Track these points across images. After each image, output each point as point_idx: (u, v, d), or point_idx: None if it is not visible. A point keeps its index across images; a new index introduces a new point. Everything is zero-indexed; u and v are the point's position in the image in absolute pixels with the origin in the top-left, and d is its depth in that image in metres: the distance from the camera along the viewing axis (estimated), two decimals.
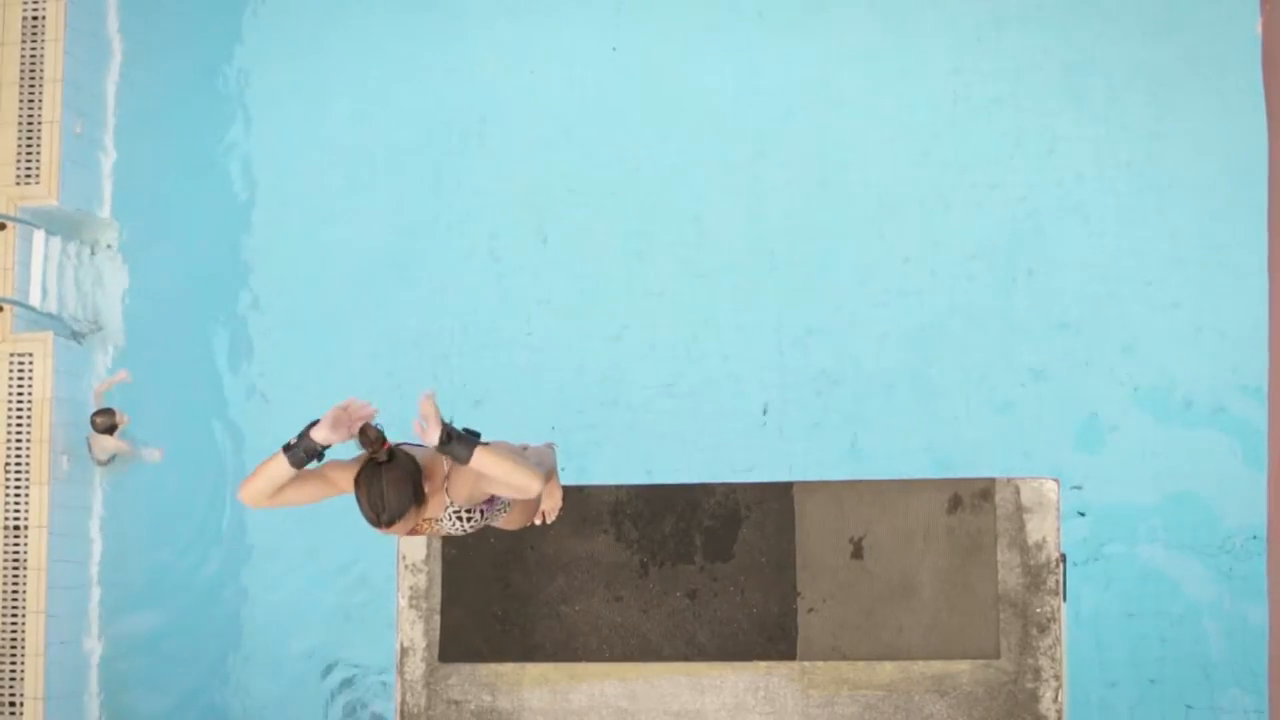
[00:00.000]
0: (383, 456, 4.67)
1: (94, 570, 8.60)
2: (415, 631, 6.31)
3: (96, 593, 8.58)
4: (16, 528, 8.30)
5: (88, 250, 8.80)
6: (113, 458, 8.57)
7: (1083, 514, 7.70)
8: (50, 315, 8.56)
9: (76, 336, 8.64)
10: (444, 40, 8.75)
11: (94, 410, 8.45)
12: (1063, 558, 6.14)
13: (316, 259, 8.61)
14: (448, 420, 4.70)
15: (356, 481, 4.70)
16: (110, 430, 8.41)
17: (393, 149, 8.69)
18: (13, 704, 8.14)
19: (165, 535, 8.54)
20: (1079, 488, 7.61)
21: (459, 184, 8.56)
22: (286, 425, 8.24)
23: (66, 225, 8.69)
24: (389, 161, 8.67)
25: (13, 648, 8.21)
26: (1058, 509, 6.13)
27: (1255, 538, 7.38)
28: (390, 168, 8.66)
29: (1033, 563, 6.11)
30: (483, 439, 4.81)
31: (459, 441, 4.70)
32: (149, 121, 8.91)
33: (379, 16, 8.78)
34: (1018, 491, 6.15)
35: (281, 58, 8.92)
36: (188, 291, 8.75)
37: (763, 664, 6.16)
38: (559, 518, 5.95)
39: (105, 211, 8.87)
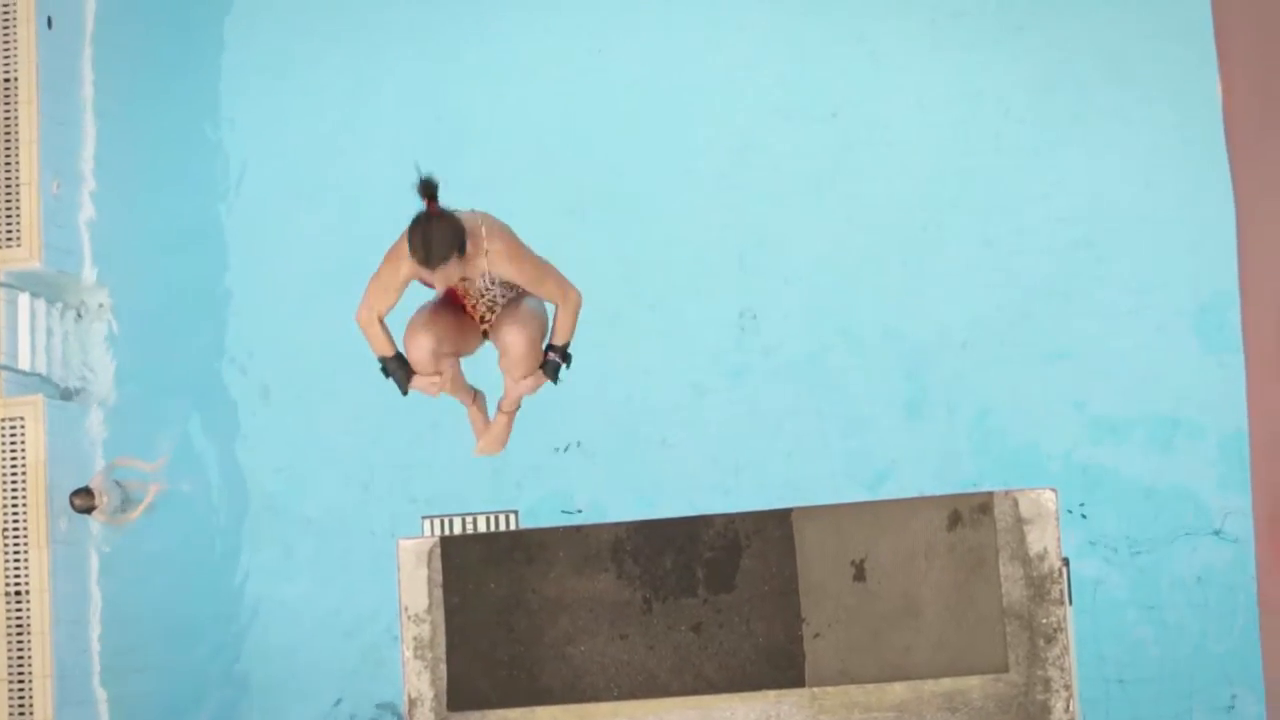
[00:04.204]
0: (435, 209, 5.90)
1: (97, 630, 8.57)
2: (422, 682, 6.29)
3: (102, 652, 8.56)
4: (18, 593, 8.28)
5: (74, 313, 8.78)
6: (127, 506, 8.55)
7: (1084, 515, 7.70)
8: (40, 377, 8.54)
9: (67, 395, 8.63)
10: (444, 72, 8.73)
11: (72, 490, 8.42)
12: (1066, 562, 6.13)
13: (306, 309, 8.58)
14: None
15: (410, 228, 5.96)
16: (88, 511, 8.38)
17: (382, 189, 8.63)
18: None
19: (165, 588, 8.53)
20: (1078, 512, 7.61)
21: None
22: (282, 472, 8.39)
23: (50, 287, 8.66)
24: (378, 204, 8.60)
25: (21, 714, 8.18)
26: (1057, 518, 6.11)
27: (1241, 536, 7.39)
28: (380, 210, 8.59)
29: (1035, 574, 6.09)
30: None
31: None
32: (128, 177, 8.88)
33: (364, 62, 8.75)
34: (1016, 504, 6.13)
35: (260, 98, 8.89)
36: (176, 346, 8.72)
37: (772, 693, 6.14)
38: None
39: (88, 270, 8.84)
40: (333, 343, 8.49)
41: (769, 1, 8.57)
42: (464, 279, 6.21)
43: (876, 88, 8.33)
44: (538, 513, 7.88)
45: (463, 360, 6.64)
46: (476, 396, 6.84)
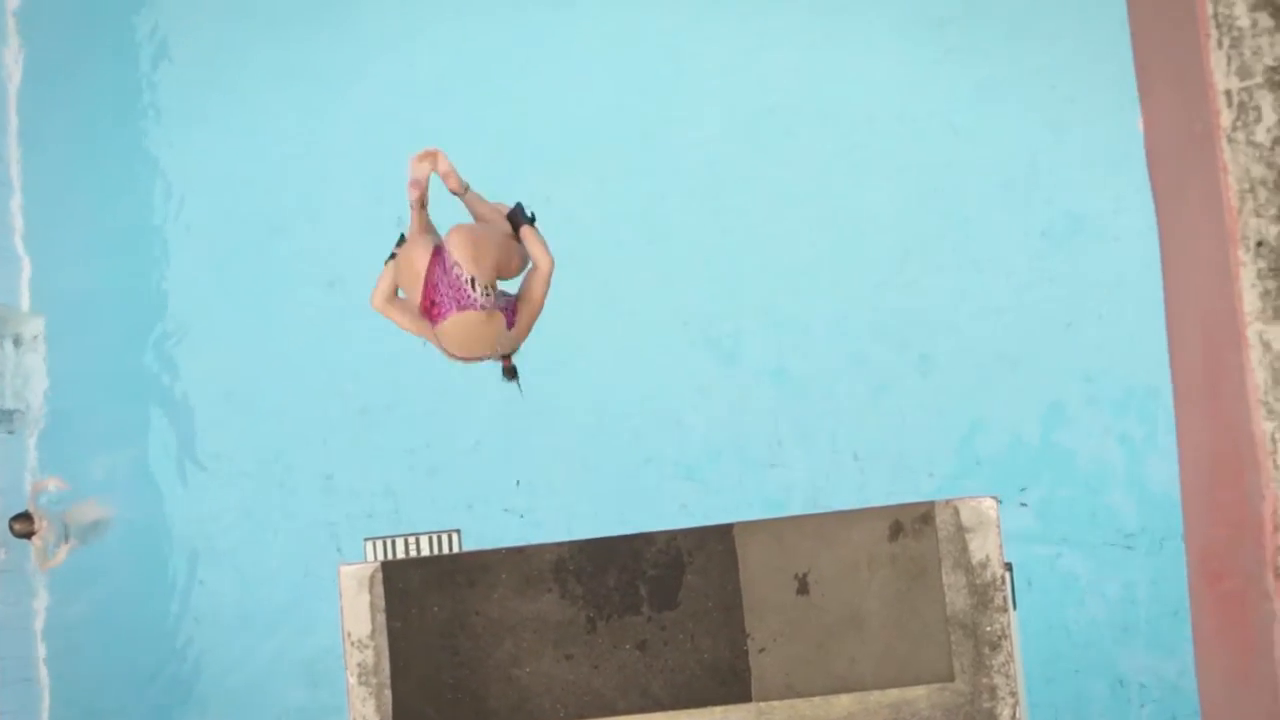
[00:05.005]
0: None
1: (41, 663, 8.50)
2: (367, 709, 6.26)
3: (47, 684, 8.49)
4: None
5: (10, 342, 8.69)
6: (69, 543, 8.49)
7: (1025, 504, 7.73)
8: None
9: (4, 423, 8.55)
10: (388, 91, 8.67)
11: (11, 516, 8.35)
12: (1009, 567, 6.15)
13: (244, 328, 8.52)
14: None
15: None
16: (28, 535, 8.32)
17: (325, 214, 8.59)
18: None
19: (109, 620, 8.47)
20: (1024, 504, 7.63)
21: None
22: (224, 496, 8.34)
23: None
24: (322, 228, 8.57)
25: None
26: (998, 526, 6.12)
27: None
28: (325, 234, 8.56)
29: (978, 582, 6.10)
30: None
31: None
32: (63, 206, 8.79)
33: (307, 78, 8.69)
34: (957, 513, 6.14)
35: (199, 121, 8.82)
36: (112, 374, 8.65)
37: (718, 709, 6.14)
38: None
39: (24, 299, 8.76)
40: (281, 361, 8.47)
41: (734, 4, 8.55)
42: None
43: (835, 98, 8.32)
44: (481, 531, 7.84)
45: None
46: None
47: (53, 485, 8.53)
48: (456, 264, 5.90)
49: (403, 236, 6.16)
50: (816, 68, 8.30)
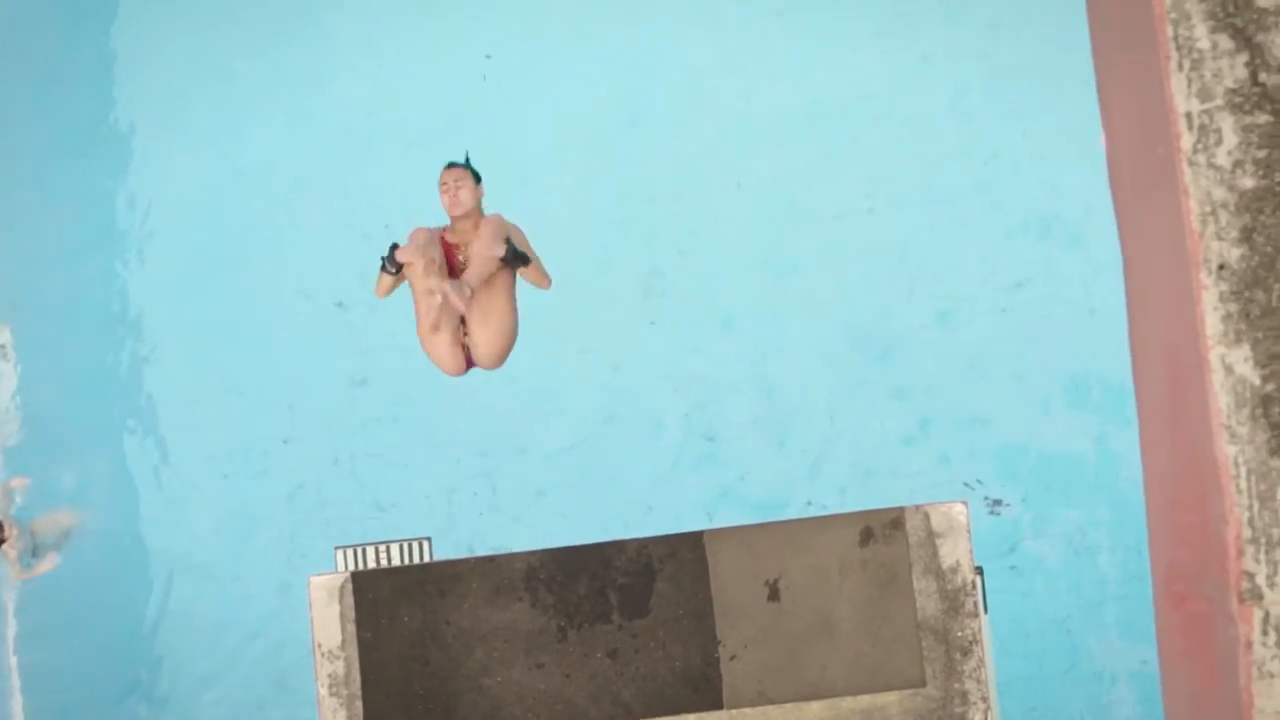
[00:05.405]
0: None
1: (14, 673, 8.46)
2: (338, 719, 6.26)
3: (19, 696, 8.46)
4: None
5: None
6: (38, 550, 8.46)
7: (995, 508, 7.73)
8: None
9: None
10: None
11: None
12: (979, 572, 6.16)
13: (216, 336, 8.45)
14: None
15: None
16: None
17: (300, 222, 8.53)
18: None
19: (84, 631, 8.41)
20: (995, 507, 7.62)
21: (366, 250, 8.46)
22: (196, 506, 8.29)
23: None
24: (299, 234, 8.50)
25: None
26: (969, 531, 6.14)
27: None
28: (300, 242, 8.49)
29: (949, 587, 6.12)
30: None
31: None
32: (24, 209, 8.72)
33: (265, 89, 8.61)
34: (927, 518, 6.16)
35: (167, 120, 8.75)
36: (82, 383, 8.58)
37: (690, 716, 6.15)
38: None
39: None
40: (253, 369, 8.41)
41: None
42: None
43: (813, 100, 8.28)
44: (452, 539, 7.83)
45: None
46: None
47: (17, 487, 8.49)
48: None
49: (394, 246, 6.76)
50: (793, 70, 8.27)
